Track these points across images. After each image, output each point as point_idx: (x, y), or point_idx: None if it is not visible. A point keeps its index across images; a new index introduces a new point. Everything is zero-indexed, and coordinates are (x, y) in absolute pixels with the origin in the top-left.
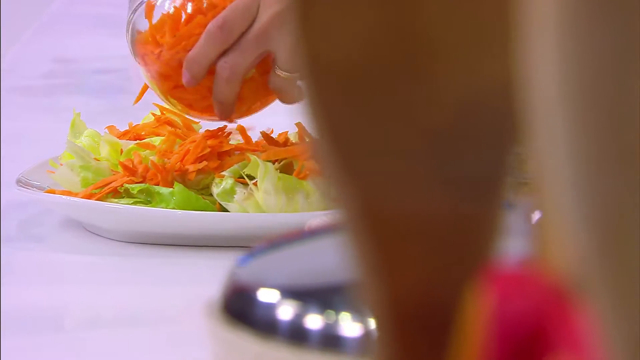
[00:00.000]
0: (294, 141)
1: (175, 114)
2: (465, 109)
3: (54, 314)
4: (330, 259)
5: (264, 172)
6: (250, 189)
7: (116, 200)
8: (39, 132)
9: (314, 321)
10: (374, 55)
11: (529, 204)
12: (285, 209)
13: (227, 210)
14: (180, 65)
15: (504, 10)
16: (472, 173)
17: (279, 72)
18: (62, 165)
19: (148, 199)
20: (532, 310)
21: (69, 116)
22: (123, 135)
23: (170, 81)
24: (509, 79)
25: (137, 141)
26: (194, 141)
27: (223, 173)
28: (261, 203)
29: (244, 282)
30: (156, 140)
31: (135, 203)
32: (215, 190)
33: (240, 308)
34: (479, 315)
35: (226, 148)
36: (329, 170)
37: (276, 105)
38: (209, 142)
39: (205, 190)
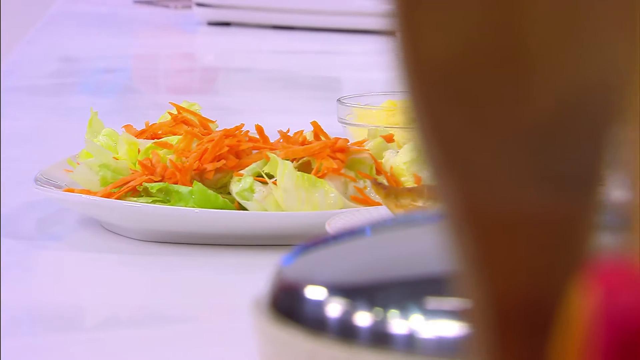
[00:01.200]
0: (310, 140)
1: (191, 112)
2: (565, 106)
3: (73, 313)
4: (377, 255)
5: (283, 170)
6: (270, 187)
7: (135, 199)
8: (49, 131)
9: (363, 318)
10: (475, 53)
11: (627, 199)
12: (304, 208)
13: (245, 209)
14: None
15: (604, 8)
16: (572, 169)
17: None
18: (80, 164)
19: (167, 197)
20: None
21: (77, 115)
22: (140, 134)
23: None
24: (609, 76)
25: (155, 140)
26: (212, 140)
27: (241, 172)
28: (280, 201)
29: (291, 280)
30: (173, 139)
31: (154, 202)
32: (234, 189)
33: (288, 306)
34: (583, 313)
35: (244, 147)
36: (431, 168)
37: (298, 105)
38: (227, 141)
39: (223, 189)
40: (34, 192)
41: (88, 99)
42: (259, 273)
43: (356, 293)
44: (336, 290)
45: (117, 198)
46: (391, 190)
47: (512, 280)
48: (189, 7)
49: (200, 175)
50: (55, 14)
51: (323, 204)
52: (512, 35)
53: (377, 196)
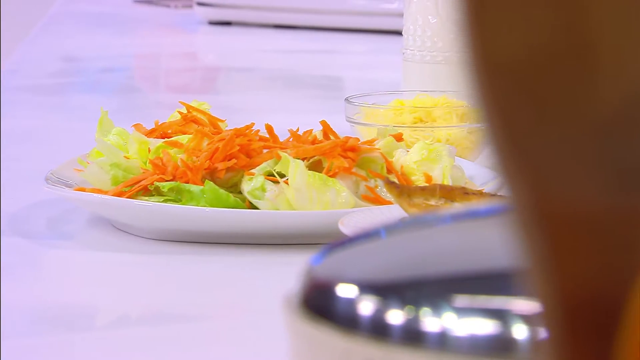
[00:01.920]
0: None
1: (201, 112)
2: (631, 102)
3: (83, 312)
4: (407, 253)
5: (295, 169)
6: (281, 186)
7: (146, 198)
8: (53, 130)
9: (396, 316)
10: (544, 52)
11: None
12: (316, 207)
13: (256, 208)
14: None
15: None
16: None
17: None
18: (91, 163)
19: (178, 196)
20: None
21: (80, 114)
22: (150, 133)
23: None
24: None
25: (165, 139)
26: (223, 139)
27: (252, 171)
28: (292, 200)
29: (323, 278)
30: (184, 139)
31: (165, 201)
32: (246, 188)
33: (320, 304)
34: None
35: (255, 146)
36: (499, 166)
37: (300, 104)
38: (238, 140)
39: (233, 188)
40: (43, 191)
41: (91, 98)
42: (271, 272)
43: (388, 291)
44: (368, 288)
45: (129, 197)
46: (404, 189)
47: (579, 278)
48: (190, 6)
49: (211, 175)
50: (56, 13)
51: (335, 203)
52: (579, 34)
53: (389, 195)
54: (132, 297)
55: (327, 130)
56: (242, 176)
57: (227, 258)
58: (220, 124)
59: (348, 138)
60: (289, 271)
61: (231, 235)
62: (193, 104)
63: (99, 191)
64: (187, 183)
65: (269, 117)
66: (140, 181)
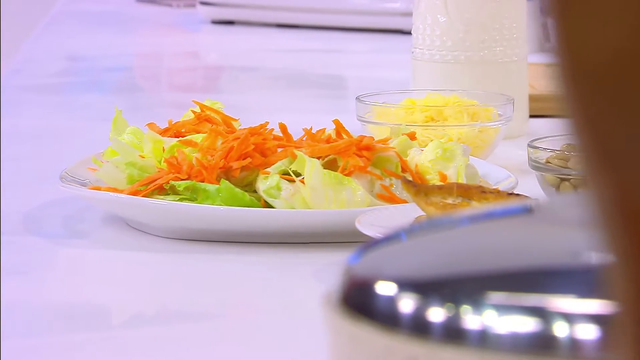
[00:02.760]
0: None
1: (215, 111)
2: None
3: (99, 311)
4: (444, 250)
5: (311, 168)
6: (297, 185)
7: (162, 197)
8: (60, 130)
9: (436, 314)
10: (631, 54)
11: None
12: (332, 206)
13: (272, 207)
14: None
15: None
16: None
17: None
18: (106, 162)
19: (194, 195)
20: None
21: (86, 113)
22: (164, 132)
23: None
24: None
25: (180, 138)
26: (238, 138)
27: (267, 170)
28: (308, 199)
29: (362, 276)
30: (198, 138)
31: (181, 200)
32: (261, 186)
33: (359, 302)
34: None
35: (269, 145)
36: (585, 165)
37: (303, 103)
38: (252, 139)
39: (248, 187)
40: (56, 190)
41: (95, 97)
42: (287, 271)
43: (427, 288)
44: (407, 285)
45: (144, 196)
46: (421, 187)
47: None
48: (193, 5)
49: (226, 174)
50: (58, 13)
51: (350, 202)
52: None
53: (406, 194)
54: (146, 295)
55: (340, 130)
56: (257, 175)
57: (243, 257)
58: (233, 123)
59: (363, 137)
60: (305, 270)
61: (247, 234)
62: (206, 103)
63: (115, 190)
64: (203, 182)
65: (272, 116)
66: (156, 180)
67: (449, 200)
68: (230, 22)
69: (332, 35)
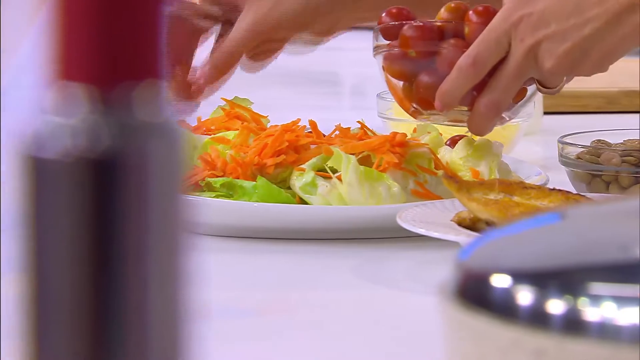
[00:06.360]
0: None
1: (244, 108)
2: None
3: None
4: (556, 242)
5: (347, 165)
6: (334, 181)
7: (197, 193)
8: None
9: (556, 306)
10: None
11: None
12: (368, 202)
13: (307, 203)
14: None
15: None
16: None
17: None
18: None
19: (230, 192)
20: None
21: None
22: (194, 129)
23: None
24: None
25: (211, 135)
26: (271, 135)
27: (302, 166)
28: (345, 196)
29: (477, 269)
30: (229, 135)
31: (217, 196)
32: (297, 183)
33: (476, 294)
34: None
35: (303, 142)
36: None
37: (309, 101)
38: (286, 136)
39: (282, 183)
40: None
41: None
42: (325, 267)
43: (542, 280)
44: (522, 277)
45: None
46: (463, 183)
47: None
48: None
49: (260, 170)
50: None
51: (387, 198)
52: None
53: (442, 190)
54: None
55: (365, 129)
56: (291, 172)
57: (281, 254)
58: (262, 119)
59: (395, 133)
60: (344, 266)
61: (285, 231)
62: (235, 100)
63: None
64: (238, 179)
65: (274, 113)
66: (191, 177)
67: (491, 196)
68: None
69: None
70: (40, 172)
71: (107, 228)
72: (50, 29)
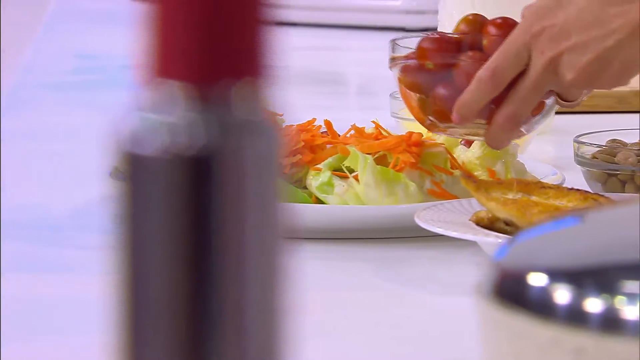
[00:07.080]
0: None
1: None
2: None
3: None
4: (592, 240)
5: (364, 164)
6: (350, 181)
7: None
8: (90, 127)
9: (594, 305)
10: None
11: None
12: (385, 201)
13: (323, 203)
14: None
15: None
16: None
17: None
18: None
19: None
20: None
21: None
22: None
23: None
24: None
25: None
26: (287, 135)
27: (319, 166)
28: (362, 195)
29: (513, 268)
30: None
31: None
32: (314, 183)
33: (513, 293)
34: None
35: (319, 142)
36: None
37: (314, 100)
38: (302, 135)
39: (297, 183)
40: (101, 186)
41: (119, 95)
42: (343, 266)
43: (579, 279)
44: (559, 276)
45: None
46: (481, 183)
47: None
48: None
49: None
50: (56, 11)
51: (403, 198)
52: None
53: (459, 189)
54: None
55: (380, 128)
56: (306, 171)
57: (299, 253)
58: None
59: (411, 133)
60: (362, 266)
61: (302, 230)
62: None
63: None
64: None
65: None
66: None
67: (509, 196)
68: None
69: (333, 33)
70: (138, 169)
71: (204, 225)
72: (149, 26)
